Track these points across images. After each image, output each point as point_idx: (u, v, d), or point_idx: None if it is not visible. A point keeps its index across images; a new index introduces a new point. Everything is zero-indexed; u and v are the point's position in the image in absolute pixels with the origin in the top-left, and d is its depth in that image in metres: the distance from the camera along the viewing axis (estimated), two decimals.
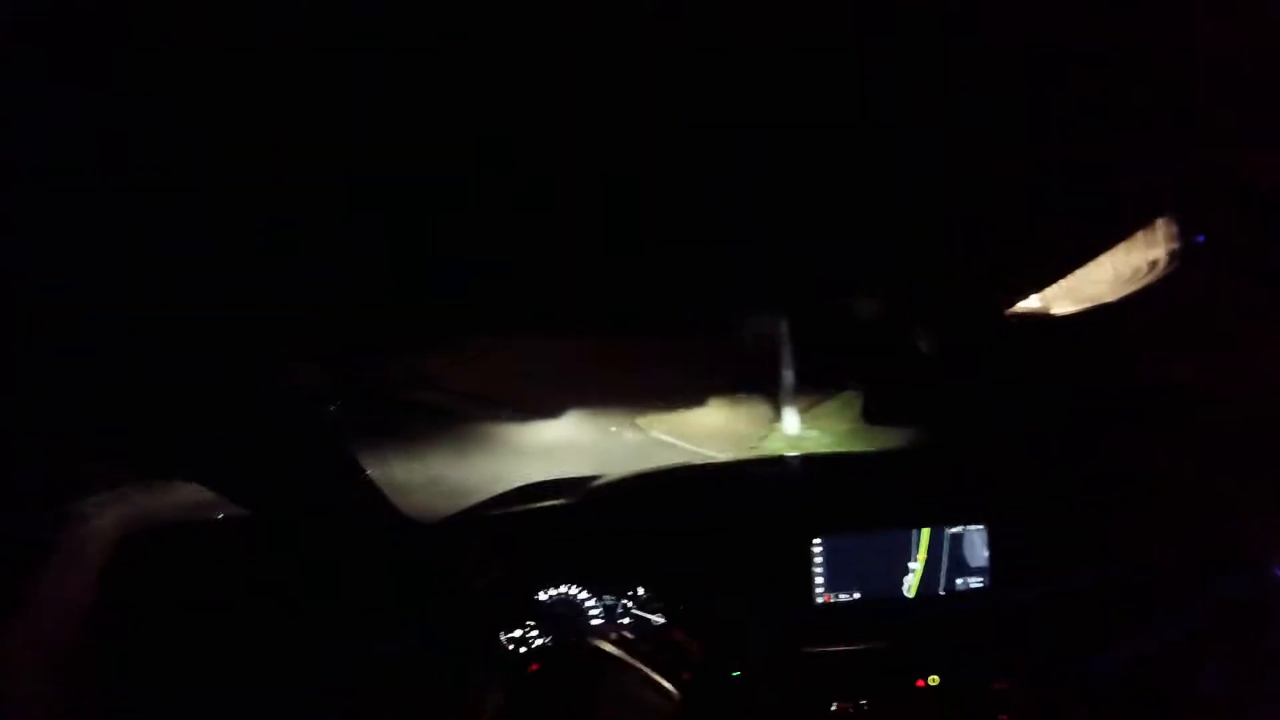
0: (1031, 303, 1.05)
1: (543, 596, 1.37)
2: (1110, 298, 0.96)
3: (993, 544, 1.34)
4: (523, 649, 1.36)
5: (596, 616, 1.38)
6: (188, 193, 0.72)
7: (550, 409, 2.35)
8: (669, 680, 1.31)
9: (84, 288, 0.78)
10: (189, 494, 1.20)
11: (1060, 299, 1.03)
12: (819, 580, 1.35)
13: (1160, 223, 0.89)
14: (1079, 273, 0.98)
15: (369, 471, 1.21)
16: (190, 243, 0.79)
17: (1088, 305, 0.99)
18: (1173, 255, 0.89)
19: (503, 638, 1.36)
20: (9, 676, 0.99)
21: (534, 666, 1.31)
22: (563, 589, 1.38)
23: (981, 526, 1.34)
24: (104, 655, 1.10)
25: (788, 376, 1.97)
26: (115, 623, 1.12)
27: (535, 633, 1.37)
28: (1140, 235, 0.91)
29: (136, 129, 0.63)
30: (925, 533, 1.34)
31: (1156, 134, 0.80)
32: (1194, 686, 1.21)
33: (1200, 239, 0.88)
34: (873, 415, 1.41)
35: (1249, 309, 0.98)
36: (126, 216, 0.73)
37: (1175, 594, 1.28)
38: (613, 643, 1.36)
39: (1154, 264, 0.92)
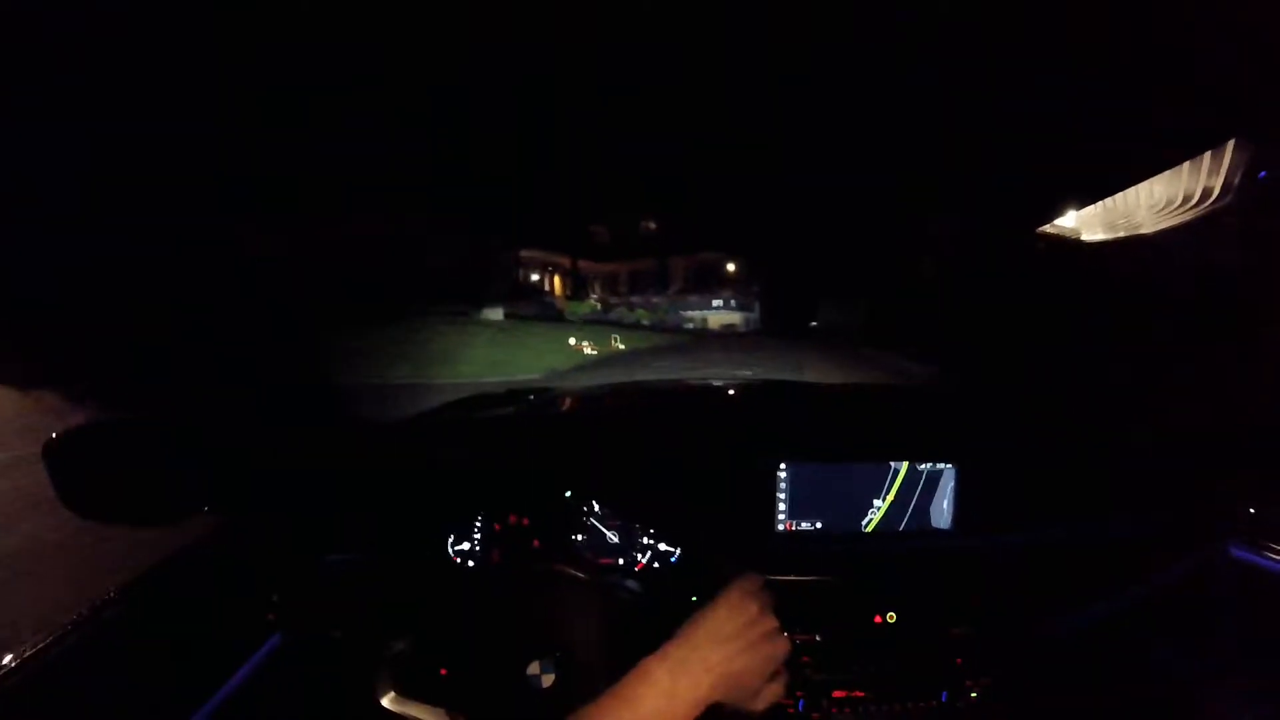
0: (1059, 226, 0.98)
1: (495, 506, 1.27)
2: (1146, 228, 0.90)
3: (960, 487, 1.31)
4: (472, 562, 1.26)
5: (548, 530, 1.29)
6: None
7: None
8: (620, 601, 1.25)
9: None
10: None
11: (1092, 225, 0.96)
12: (781, 507, 1.29)
13: (1220, 152, 0.82)
14: (1114, 199, 0.92)
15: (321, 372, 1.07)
16: None
17: (1120, 233, 0.93)
18: (1224, 191, 0.83)
19: (451, 550, 1.25)
20: None
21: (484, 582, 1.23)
22: (516, 500, 1.27)
23: (950, 466, 1.30)
24: None
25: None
26: None
27: (486, 545, 1.27)
28: (1195, 165, 0.84)
29: None
30: (893, 467, 1.30)
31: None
32: (1146, 657, 1.23)
33: (1263, 175, 0.81)
34: (869, 338, 1.35)
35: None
36: None
37: (1136, 563, 1.29)
38: (564, 560, 1.29)
39: (1199, 197, 0.86)
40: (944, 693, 1.26)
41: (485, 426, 1.33)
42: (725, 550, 1.28)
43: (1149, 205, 0.90)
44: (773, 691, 0.85)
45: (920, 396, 1.41)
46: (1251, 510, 1.29)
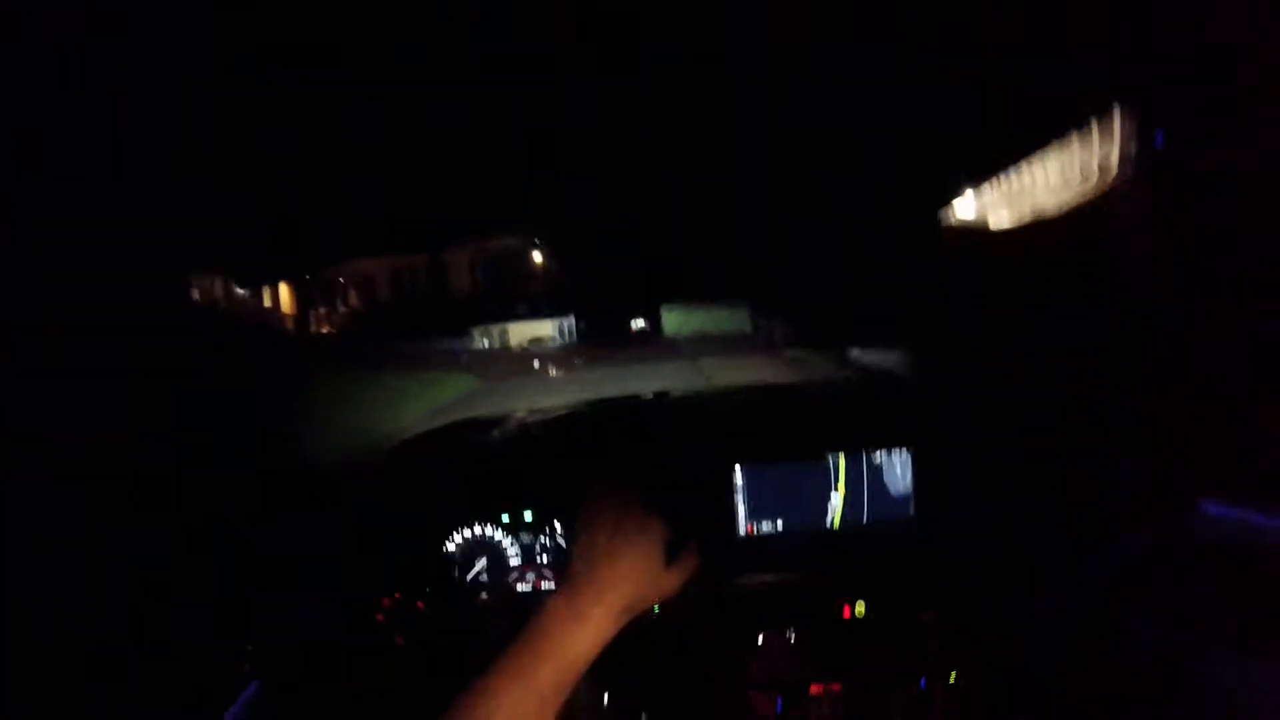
0: (970, 216, 0.98)
1: (460, 537, 1.30)
2: (1049, 207, 0.89)
3: (917, 471, 1.31)
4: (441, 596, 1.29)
5: (515, 556, 1.31)
6: None
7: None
8: None
9: None
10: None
11: (997, 209, 0.95)
12: (741, 511, 1.31)
13: (1111, 123, 0.81)
14: (1015, 179, 0.91)
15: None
16: None
17: (1026, 217, 0.92)
18: (1124, 162, 0.82)
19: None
20: None
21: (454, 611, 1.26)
22: (481, 530, 1.30)
23: (904, 452, 1.30)
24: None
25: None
26: None
27: (449, 576, 1.30)
28: (1084, 136, 0.83)
29: None
30: (845, 459, 1.30)
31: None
32: (1124, 628, 1.21)
33: (1159, 139, 0.80)
34: (805, 338, 1.35)
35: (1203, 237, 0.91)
36: None
37: (1104, 532, 1.28)
38: (532, 584, 1.32)
39: (1099, 172, 0.85)
40: (922, 679, 1.27)
41: (442, 463, 1.37)
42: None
43: (1045, 185, 0.89)
44: (678, 576, 0.88)
45: (866, 383, 1.41)
46: (1221, 462, 1.27)
